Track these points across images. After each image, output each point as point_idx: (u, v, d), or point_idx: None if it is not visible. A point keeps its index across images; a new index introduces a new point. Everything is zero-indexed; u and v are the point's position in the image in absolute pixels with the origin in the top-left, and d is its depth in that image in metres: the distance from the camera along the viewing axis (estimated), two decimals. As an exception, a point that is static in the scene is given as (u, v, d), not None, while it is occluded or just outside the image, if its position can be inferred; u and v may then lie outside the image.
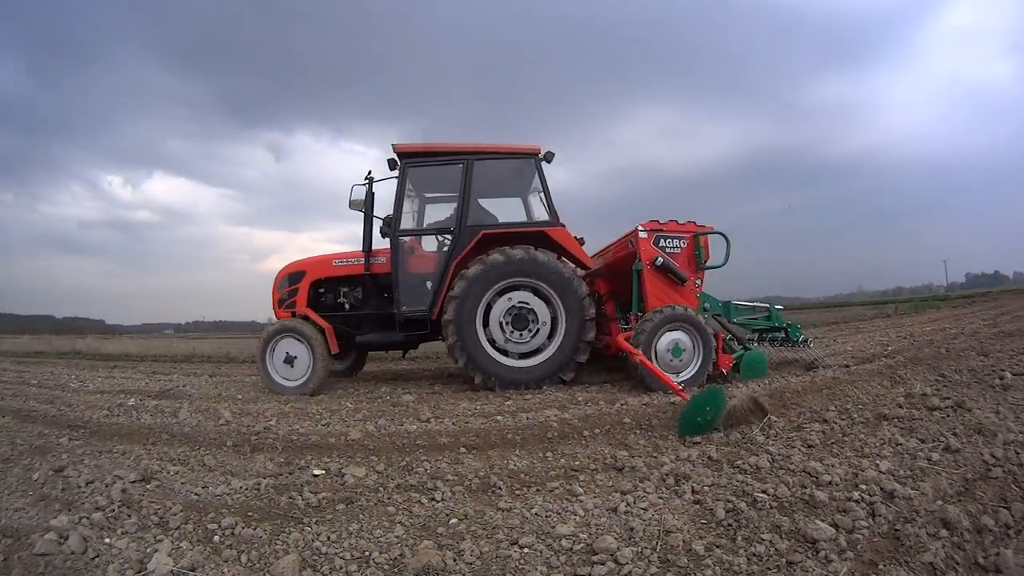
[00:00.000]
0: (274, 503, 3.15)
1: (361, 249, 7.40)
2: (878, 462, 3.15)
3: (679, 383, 5.50)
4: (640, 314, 6.33)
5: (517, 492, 3.19)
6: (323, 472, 3.62)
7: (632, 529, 2.57)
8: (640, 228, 6.45)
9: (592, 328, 6.70)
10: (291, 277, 7.53)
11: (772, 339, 7.15)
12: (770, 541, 2.37)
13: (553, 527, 2.64)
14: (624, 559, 2.28)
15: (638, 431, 4.22)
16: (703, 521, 2.63)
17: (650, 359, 5.87)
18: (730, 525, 2.55)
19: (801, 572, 2.17)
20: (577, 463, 3.62)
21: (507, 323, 6.69)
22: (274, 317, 7.57)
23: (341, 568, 2.40)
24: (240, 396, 6.81)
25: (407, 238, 7.36)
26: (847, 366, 6.36)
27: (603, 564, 2.26)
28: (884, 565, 2.17)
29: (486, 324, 6.72)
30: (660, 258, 6.37)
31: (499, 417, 5.02)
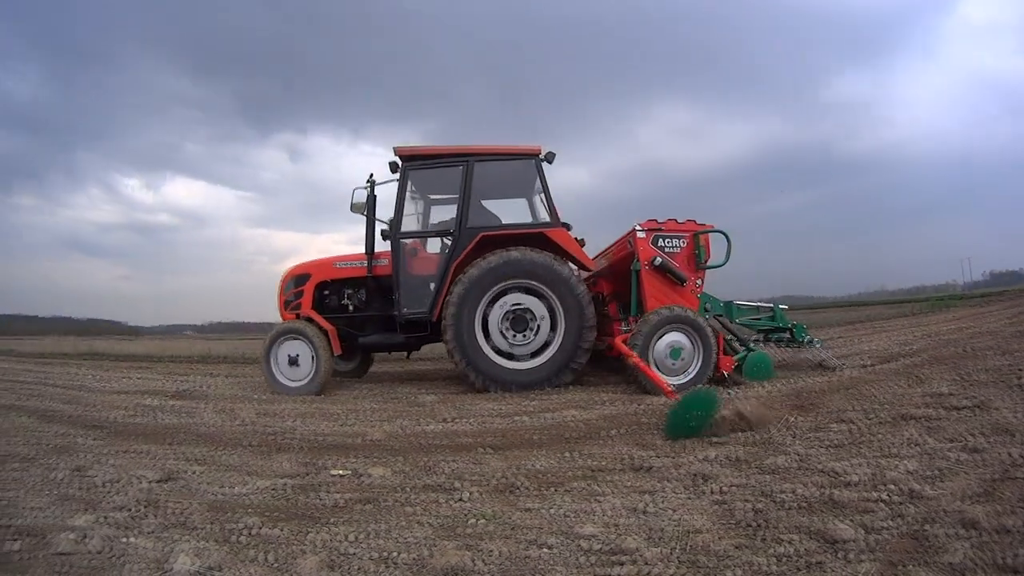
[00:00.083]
0: (296, 503, 3.16)
1: (364, 251, 7.47)
2: (901, 462, 3.13)
3: (679, 386, 5.48)
4: (639, 316, 6.28)
5: (540, 492, 3.17)
6: (345, 472, 3.63)
7: (656, 529, 2.56)
8: (638, 227, 6.37)
9: (592, 329, 6.67)
10: (296, 279, 7.63)
11: (779, 340, 7.01)
12: (794, 541, 2.35)
13: (576, 527, 2.63)
14: (648, 559, 2.27)
15: (659, 431, 4.19)
16: (726, 521, 2.61)
17: (648, 361, 5.82)
18: (753, 525, 2.54)
19: (825, 573, 2.15)
20: (599, 463, 3.60)
21: (506, 326, 6.70)
22: (280, 319, 7.65)
23: (364, 568, 2.38)
24: (260, 397, 6.86)
25: (408, 240, 7.43)
26: (868, 365, 6.31)
27: (627, 565, 2.25)
28: (907, 566, 2.15)
29: (485, 327, 6.74)
30: (658, 258, 6.29)
31: (520, 417, 5.04)
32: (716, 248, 6.45)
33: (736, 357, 6.26)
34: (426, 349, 8.43)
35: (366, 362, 9.13)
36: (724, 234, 6.39)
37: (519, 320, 6.70)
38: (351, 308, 7.51)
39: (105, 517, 2.97)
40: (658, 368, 5.92)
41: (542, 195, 7.22)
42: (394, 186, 7.26)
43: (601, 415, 4.70)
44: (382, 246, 7.38)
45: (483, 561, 2.36)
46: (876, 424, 3.96)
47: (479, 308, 6.68)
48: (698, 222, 6.52)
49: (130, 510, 3.08)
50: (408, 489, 3.28)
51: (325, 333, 7.10)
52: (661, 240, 6.37)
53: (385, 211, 7.34)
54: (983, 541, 2.23)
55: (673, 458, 3.57)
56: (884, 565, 2.16)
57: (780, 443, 3.70)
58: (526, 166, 7.27)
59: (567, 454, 3.86)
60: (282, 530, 2.79)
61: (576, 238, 7.17)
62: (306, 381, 7.00)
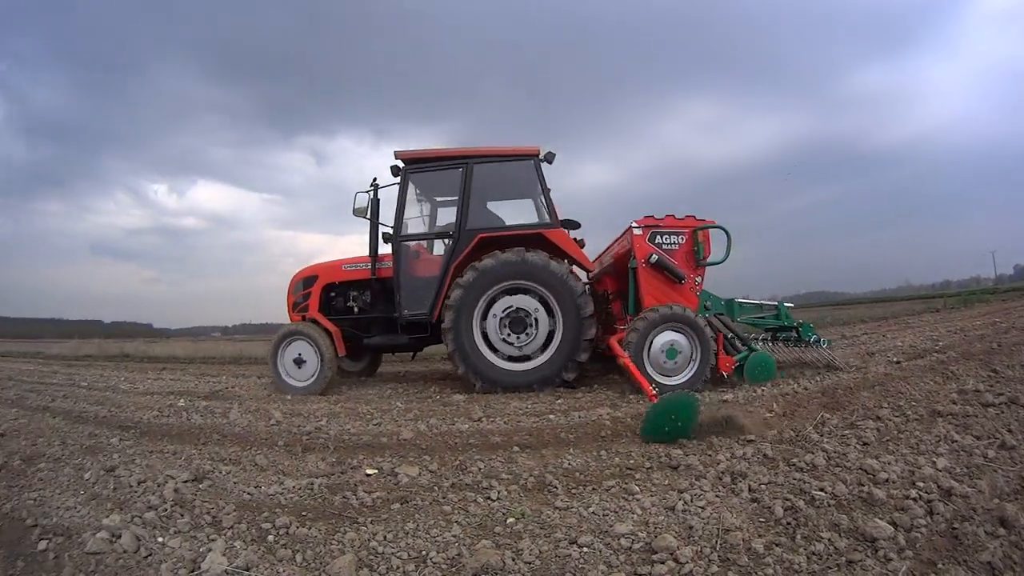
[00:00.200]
0: (328, 503, 3.17)
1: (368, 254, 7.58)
2: (934, 459, 3.10)
3: (676, 387, 5.45)
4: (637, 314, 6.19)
5: (573, 491, 3.17)
6: (376, 472, 3.65)
7: (691, 528, 2.55)
8: (634, 224, 6.28)
9: (591, 326, 6.66)
10: (304, 281, 7.83)
11: (786, 339, 6.84)
12: (829, 539, 2.34)
13: (611, 526, 2.63)
14: (684, 558, 2.26)
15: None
16: (761, 519, 2.60)
17: (642, 361, 5.76)
18: (789, 523, 2.53)
19: (861, 571, 2.14)
20: (632, 461, 3.59)
21: (505, 327, 6.74)
22: (289, 320, 7.84)
23: (399, 568, 2.38)
24: (289, 397, 6.95)
25: (412, 242, 7.55)
26: (898, 362, 6.24)
27: (663, 563, 2.25)
28: (942, 564, 2.14)
29: (484, 330, 6.78)
30: (655, 255, 6.18)
31: (551, 416, 5.05)
32: (716, 246, 6.33)
33: (737, 357, 6.14)
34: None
35: (374, 362, 9.34)
36: (724, 230, 6.25)
37: (518, 321, 6.74)
38: (356, 310, 7.65)
39: (136, 517, 2.98)
40: (653, 368, 5.86)
41: (542, 196, 7.24)
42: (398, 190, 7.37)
43: (632, 413, 4.69)
44: (387, 249, 7.48)
45: (518, 560, 2.36)
46: (908, 421, 3.92)
47: (476, 311, 6.75)
48: (698, 217, 6.40)
49: (161, 510, 3.10)
50: (440, 488, 3.29)
51: (330, 334, 7.28)
52: (659, 237, 6.27)
53: (390, 214, 7.44)
54: (1017, 539, 2.22)
55: (706, 456, 3.55)
56: (919, 563, 2.15)
57: (813, 441, 3.67)
58: (525, 167, 7.27)
59: (599, 452, 3.85)
60: (314, 529, 2.79)
61: (576, 239, 7.25)
62: (311, 381, 7.19)
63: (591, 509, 2.87)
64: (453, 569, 2.35)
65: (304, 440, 4.51)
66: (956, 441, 3.41)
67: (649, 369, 5.81)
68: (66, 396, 8.15)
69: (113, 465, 4.00)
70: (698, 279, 6.34)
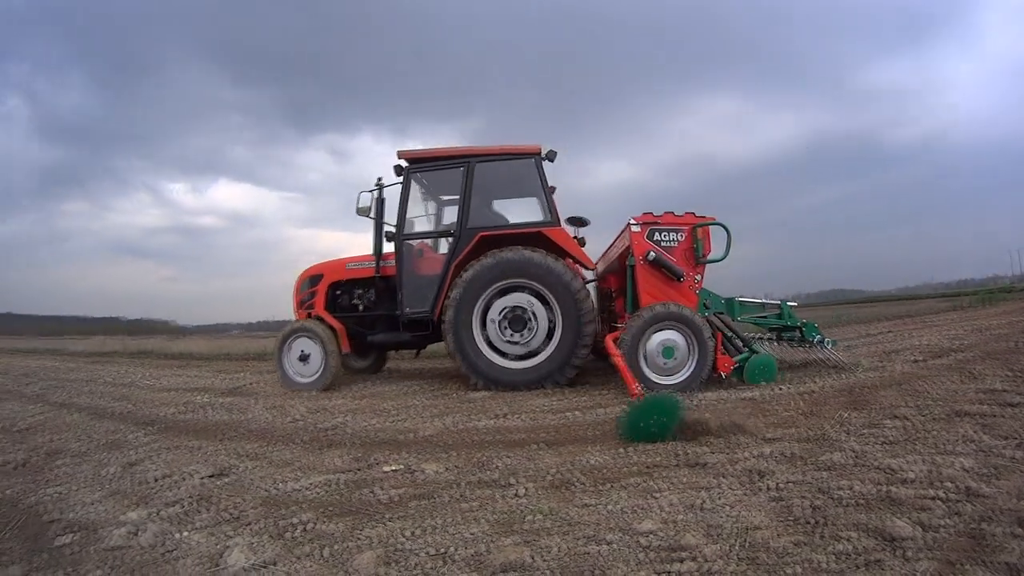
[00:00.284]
0: (350, 499, 3.18)
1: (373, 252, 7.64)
2: (956, 459, 3.08)
3: (673, 387, 5.43)
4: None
5: (596, 488, 3.16)
6: (398, 468, 3.67)
7: (714, 526, 2.55)
8: (632, 221, 6.20)
9: (590, 324, 6.64)
10: (311, 280, 7.93)
11: (790, 339, 6.73)
12: (853, 538, 2.33)
13: (634, 524, 2.62)
14: (708, 556, 2.26)
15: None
16: (784, 518, 2.59)
17: (638, 361, 5.71)
18: (812, 522, 2.51)
19: (884, 570, 2.13)
20: (654, 459, 3.58)
21: (505, 325, 6.75)
22: (295, 318, 7.92)
23: (422, 564, 2.37)
24: (310, 393, 7.01)
25: (416, 241, 7.60)
26: (919, 361, 6.19)
27: (687, 561, 2.24)
28: (965, 565, 2.12)
29: (484, 328, 6.81)
30: (652, 252, 6.09)
31: (572, 413, 5.05)
32: (717, 243, 6.22)
33: (738, 359, 6.05)
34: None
35: (381, 359, 9.40)
36: (724, 227, 6.14)
37: (517, 320, 6.74)
38: (361, 308, 7.76)
39: (157, 512, 3.02)
40: (650, 368, 5.80)
41: (541, 194, 7.23)
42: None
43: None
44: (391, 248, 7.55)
45: (542, 557, 2.36)
46: (930, 420, 3.91)
47: (476, 309, 6.77)
48: (697, 214, 6.29)
49: (182, 505, 3.14)
50: (462, 485, 3.30)
51: (334, 331, 7.39)
52: (657, 234, 6.18)
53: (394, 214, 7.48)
54: (1040, 541, 2.20)
55: (728, 454, 3.54)
56: (942, 564, 2.13)
57: (835, 439, 3.65)
58: (527, 165, 7.24)
59: (621, 450, 3.83)
60: (337, 525, 2.80)
61: (576, 237, 7.25)
62: (315, 377, 7.31)
63: (614, 506, 2.86)
64: (477, 566, 2.34)
65: (325, 436, 4.55)
66: (978, 441, 3.39)
67: (645, 368, 5.76)
68: (88, 392, 8.26)
69: (134, 460, 4.05)
70: (697, 277, 6.24)
